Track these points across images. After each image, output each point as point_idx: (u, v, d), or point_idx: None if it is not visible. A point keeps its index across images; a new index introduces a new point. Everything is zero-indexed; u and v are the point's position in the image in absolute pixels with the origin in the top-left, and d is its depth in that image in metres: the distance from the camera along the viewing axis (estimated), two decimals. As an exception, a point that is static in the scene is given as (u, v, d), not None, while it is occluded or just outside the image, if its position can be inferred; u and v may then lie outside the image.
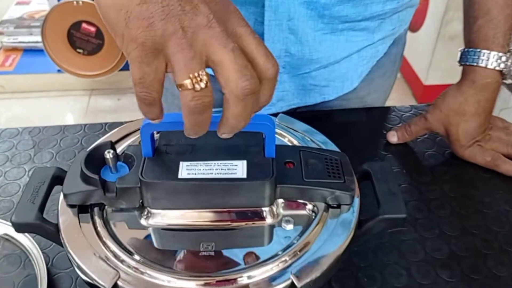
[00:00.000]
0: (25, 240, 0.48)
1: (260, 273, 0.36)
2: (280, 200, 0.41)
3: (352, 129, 0.66)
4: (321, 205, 0.41)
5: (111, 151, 0.40)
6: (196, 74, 0.30)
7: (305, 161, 0.42)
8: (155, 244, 0.39)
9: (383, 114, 0.69)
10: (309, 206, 0.41)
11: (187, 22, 0.30)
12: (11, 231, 0.48)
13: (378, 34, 0.63)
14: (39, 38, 1.92)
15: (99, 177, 0.38)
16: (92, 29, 1.69)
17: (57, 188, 0.43)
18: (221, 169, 0.38)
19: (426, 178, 0.58)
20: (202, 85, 0.30)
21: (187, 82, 0.30)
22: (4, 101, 1.95)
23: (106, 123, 0.65)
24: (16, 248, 0.48)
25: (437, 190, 0.57)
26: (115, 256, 0.37)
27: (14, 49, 2.04)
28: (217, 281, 0.36)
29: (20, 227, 0.40)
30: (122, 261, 0.37)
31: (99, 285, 0.35)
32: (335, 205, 0.41)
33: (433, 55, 1.80)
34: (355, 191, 0.41)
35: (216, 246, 0.38)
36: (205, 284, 0.36)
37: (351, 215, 0.41)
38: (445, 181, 0.58)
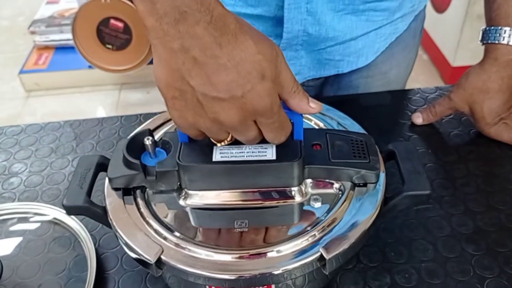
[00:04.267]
0: (74, 223, 0.52)
1: (290, 247, 0.39)
2: (309, 180, 0.43)
3: (377, 112, 0.68)
4: (348, 184, 0.43)
5: (150, 137, 0.43)
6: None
7: (331, 143, 0.44)
8: (192, 223, 0.42)
9: (408, 96, 0.70)
10: (336, 185, 0.44)
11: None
12: (60, 216, 0.53)
13: (398, 13, 0.64)
14: (69, 36, 1.98)
15: (140, 162, 0.42)
16: (120, 24, 1.73)
17: (101, 174, 0.46)
18: (252, 152, 0.41)
19: (451, 157, 0.60)
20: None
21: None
22: (39, 98, 2.03)
23: (140, 114, 0.68)
24: (66, 231, 0.52)
25: (463, 169, 0.58)
26: (158, 233, 0.40)
27: (46, 47, 2.11)
28: (250, 255, 0.38)
29: (70, 210, 0.44)
30: (164, 238, 0.40)
31: (145, 259, 0.38)
32: (361, 184, 0.43)
33: (461, 36, 1.77)
34: (380, 170, 0.43)
35: (249, 223, 0.41)
36: (240, 257, 0.38)
37: (377, 192, 0.43)
38: (470, 160, 0.59)
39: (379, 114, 0.67)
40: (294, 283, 0.43)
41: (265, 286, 0.40)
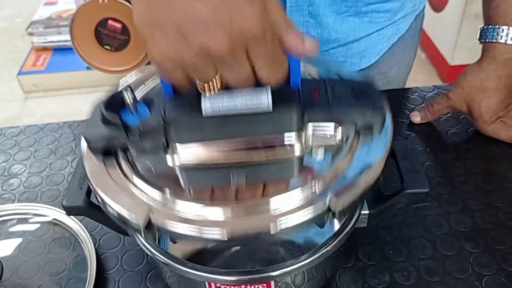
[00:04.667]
0: (73, 223, 0.52)
1: (290, 198, 0.35)
2: (309, 130, 0.38)
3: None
4: (352, 134, 0.39)
5: (130, 92, 0.38)
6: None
7: (331, 89, 0.39)
8: (183, 182, 0.38)
9: (406, 95, 0.70)
10: (339, 136, 0.39)
11: None
12: (60, 216, 0.53)
13: (400, 13, 0.64)
14: (67, 37, 1.99)
15: (121, 120, 0.37)
16: (118, 25, 1.73)
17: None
18: (245, 99, 0.36)
19: (449, 155, 0.60)
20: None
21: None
22: (38, 99, 2.03)
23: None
24: (66, 232, 0.52)
25: (461, 167, 0.58)
26: (145, 194, 0.36)
27: (45, 48, 2.12)
28: (245, 209, 0.34)
29: (70, 210, 0.44)
30: (152, 198, 0.36)
31: (133, 224, 0.35)
32: (366, 130, 0.39)
33: (459, 35, 1.77)
34: (385, 111, 0.39)
35: (246, 178, 0.37)
36: (234, 213, 0.34)
37: (385, 134, 0.39)
38: (468, 158, 0.59)
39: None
40: (294, 281, 0.43)
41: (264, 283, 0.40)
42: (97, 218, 0.45)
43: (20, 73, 2.03)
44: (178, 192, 0.36)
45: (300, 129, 0.38)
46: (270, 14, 0.31)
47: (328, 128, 0.38)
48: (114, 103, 0.38)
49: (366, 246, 0.49)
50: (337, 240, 0.41)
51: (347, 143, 0.38)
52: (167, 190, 0.36)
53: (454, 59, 1.86)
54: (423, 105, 0.66)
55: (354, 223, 0.43)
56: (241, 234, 0.34)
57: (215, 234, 0.33)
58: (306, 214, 0.34)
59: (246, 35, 0.30)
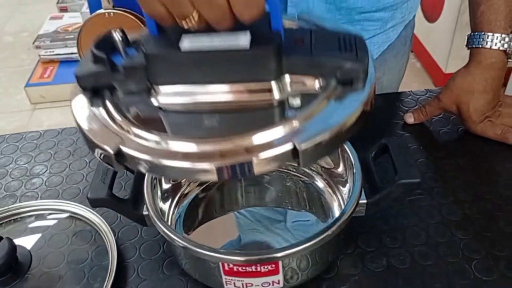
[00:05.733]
0: (94, 217, 0.56)
1: (262, 138, 0.34)
2: (287, 77, 0.38)
3: (372, 113, 0.72)
4: (332, 84, 0.37)
5: (120, 33, 0.39)
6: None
7: (315, 37, 0.39)
8: (163, 121, 0.39)
9: (400, 98, 0.75)
10: (318, 84, 0.38)
11: None
12: (81, 211, 0.57)
13: (390, 23, 0.69)
14: (74, 50, 2.04)
15: (108, 57, 0.38)
16: (123, 38, 1.79)
17: (120, 172, 0.51)
18: (223, 39, 0.36)
19: (441, 153, 0.64)
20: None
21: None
22: (45, 110, 2.08)
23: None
24: (86, 225, 0.57)
25: (452, 163, 0.63)
26: (120, 127, 0.37)
27: (51, 61, 2.17)
28: (214, 144, 0.34)
29: (94, 202, 0.49)
30: (127, 131, 0.37)
31: (104, 151, 0.36)
32: (346, 82, 0.37)
33: (452, 44, 1.83)
34: (367, 65, 0.37)
35: (220, 120, 0.38)
36: (200, 146, 0.34)
37: (363, 91, 0.37)
38: (459, 155, 0.64)
39: (374, 115, 0.71)
40: (299, 266, 0.47)
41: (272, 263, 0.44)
42: (118, 209, 0.50)
43: (27, 84, 2.09)
44: (153, 128, 0.36)
45: (279, 72, 0.37)
46: None
47: (308, 77, 0.38)
48: (106, 44, 0.39)
49: (364, 234, 0.54)
50: (336, 225, 0.45)
51: (325, 92, 0.37)
52: (141, 128, 0.36)
53: (448, 67, 1.92)
54: (416, 107, 0.71)
55: (353, 211, 0.47)
56: (204, 162, 0.34)
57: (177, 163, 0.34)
58: (273, 153, 0.34)
59: None
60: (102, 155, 0.37)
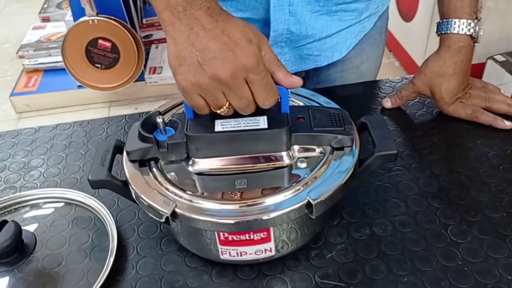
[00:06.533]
0: (93, 202, 0.59)
1: (280, 198, 0.47)
2: (296, 147, 0.52)
3: (352, 100, 0.77)
4: (328, 149, 0.52)
5: (161, 117, 0.51)
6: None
7: (313, 115, 0.53)
8: (199, 187, 0.50)
9: (378, 86, 0.80)
10: (318, 150, 0.52)
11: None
12: (81, 198, 0.60)
13: (365, 13, 0.74)
14: (58, 59, 2.06)
15: (153, 136, 0.50)
16: (108, 44, 1.81)
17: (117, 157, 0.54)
18: (247, 123, 0.49)
19: (417, 133, 0.69)
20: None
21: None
22: (31, 118, 2.09)
23: (143, 112, 0.76)
24: (86, 211, 0.59)
25: (427, 141, 0.67)
26: (172, 193, 0.48)
27: (35, 70, 2.18)
28: (248, 205, 0.47)
29: (95, 184, 0.52)
30: (177, 196, 0.48)
31: (162, 213, 0.46)
32: (339, 148, 0.52)
33: (428, 41, 1.90)
34: (354, 135, 0.52)
35: (248, 182, 0.50)
36: (240, 207, 0.47)
37: (353, 154, 0.51)
38: (434, 134, 0.68)
39: (354, 102, 0.77)
40: (289, 237, 0.51)
41: (264, 230, 0.48)
42: (117, 190, 0.53)
43: (12, 94, 2.09)
44: (195, 191, 0.49)
45: (289, 144, 0.50)
46: (264, 52, 0.45)
47: (310, 146, 0.52)
48: (148, 124, 0.51)
49: (348, 207, 0.58)
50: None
51: (324, 157, 0.51)
52: (187, 192, 0.48)
53: (426, 65, 1.98)
54: (393, 93, 0.76)
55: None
56: (242, 222, 0.46)
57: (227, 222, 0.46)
58: (291, 207, 0.46)
59: (245, 64, 0.42)
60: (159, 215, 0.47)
